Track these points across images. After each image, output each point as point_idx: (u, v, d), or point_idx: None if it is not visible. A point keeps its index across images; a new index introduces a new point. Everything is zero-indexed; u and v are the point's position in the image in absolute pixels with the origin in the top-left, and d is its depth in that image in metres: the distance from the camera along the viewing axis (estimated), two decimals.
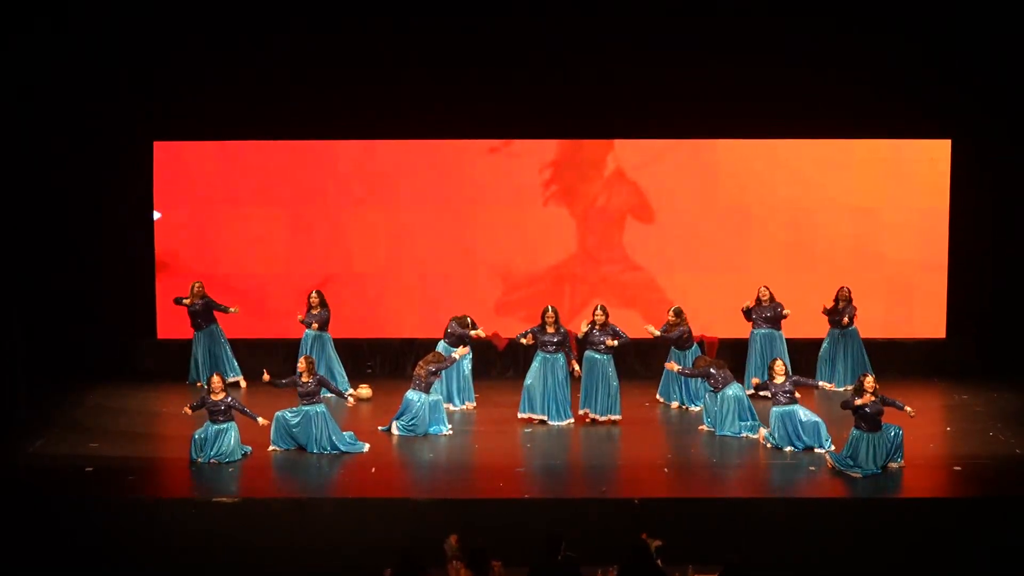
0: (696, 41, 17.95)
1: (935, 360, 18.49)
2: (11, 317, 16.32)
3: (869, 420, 14.38)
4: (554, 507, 13.67)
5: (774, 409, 15.28)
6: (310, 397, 15.25)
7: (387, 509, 13.68)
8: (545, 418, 16.35)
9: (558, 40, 17.98)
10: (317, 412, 15.21)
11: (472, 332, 16.89)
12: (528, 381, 16.38)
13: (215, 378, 15.02)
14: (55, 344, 18.20)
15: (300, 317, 17.56)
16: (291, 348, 17.88)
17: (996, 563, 13.27)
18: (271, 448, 15.20)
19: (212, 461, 14.79)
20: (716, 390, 15.88)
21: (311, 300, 17.66)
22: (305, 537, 13.46)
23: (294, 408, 15.26)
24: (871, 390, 14.41)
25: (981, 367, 18.45)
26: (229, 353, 17.99)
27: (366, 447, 15.31)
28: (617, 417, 16.35)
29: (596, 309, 16.37)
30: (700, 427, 16.12)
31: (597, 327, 16.30)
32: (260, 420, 15.02)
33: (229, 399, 14.98)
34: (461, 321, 16.91)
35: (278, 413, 15.28)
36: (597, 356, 16.31)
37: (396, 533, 13.08)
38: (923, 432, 15.89)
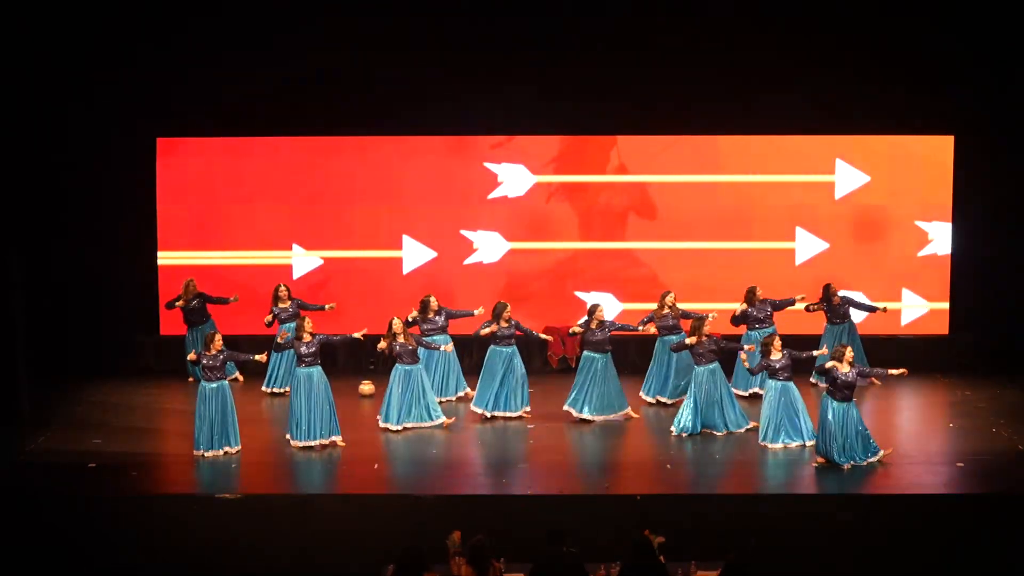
0: (699, 38, 17.94)
1: (938, 356, 18.45)
2: (14, 313, 16.32)
3: (841, 389, 14.46)
4: (556, 503, 13.68)
5: (771, 382, 15.25)
6: (313, 358, 15.31)
7: (389, 506, 13.69)
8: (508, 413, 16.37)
9: (561, 37, 17.97)
10: (320, 373, 15.33)
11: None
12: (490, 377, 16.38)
13: (217, 338, 15.17)
14: (57, 340, 18.20)
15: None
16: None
17: (998, 560, 13.26)
18: (296, 443, 15.23)
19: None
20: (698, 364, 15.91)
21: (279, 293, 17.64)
22: (307, 534, 13.47)
23: (296, 378, 15.33)
24: (849, 360, 14.50)
25: (984, 363, 18.42)
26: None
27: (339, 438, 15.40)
28: (626, 411, 16.34)
29: (599, 308, 16.35)
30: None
31: (594, 324, 16.28)
32: (257, 357, 15.30)
33: (225, 353, 15.16)
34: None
35: (292, 403, 15.31)
36: (598, 355, 16.28)
37: (398, 530, 13.07)
38: (926, 428, 15.90)
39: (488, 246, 18.69)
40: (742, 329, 17.25)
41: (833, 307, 17.56)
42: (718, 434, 15.67)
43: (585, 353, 16.40)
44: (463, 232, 18.71)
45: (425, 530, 12.52)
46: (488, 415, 16.36)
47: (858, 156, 18.55)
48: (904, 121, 18.37)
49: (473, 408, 16.48)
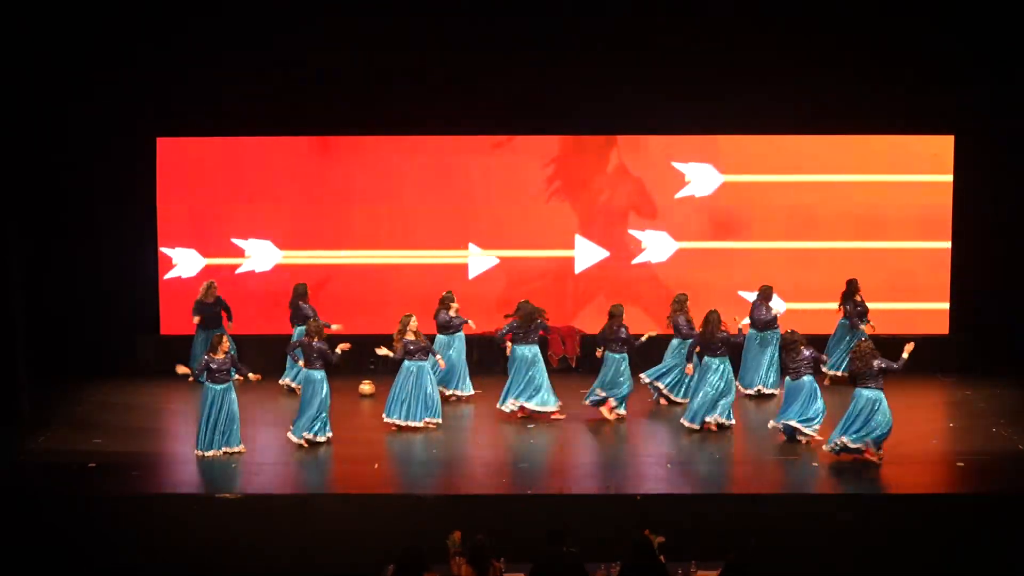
0: (699, 38, 17.94)
1: (938, 356, 18.44)
2: (14, 313, 16.32)
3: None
4: (556, 503, 13.68)
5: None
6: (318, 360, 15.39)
7: (389, 505, 13.69)
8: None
9: (561, 36, 17.97)
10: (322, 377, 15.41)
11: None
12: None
13: (224, 340, 15.14)
14: (58, 340, 18.20)
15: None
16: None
17: (999, 560, 13.26)
18: (303, 440, 15.28)
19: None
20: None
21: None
22: (307, 533, 13.47)
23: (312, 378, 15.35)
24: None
25: (983, 363, 18.42)
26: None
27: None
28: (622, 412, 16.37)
29: (620, 310, 16.39)
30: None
31: (616, 326, 16.31)
32: (252, 376, 15.46)
33: (231, 358, 15.15)
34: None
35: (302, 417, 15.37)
36: (616, 355, 16.31)
37: (398, 530, 13.07)
38: (926, 428, 15.89)
39: (657, 245, 18.68)
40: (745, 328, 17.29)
41: (856, 303, 17.56)
42: (709, 420, 15.72)
43: (608, 353, 16.37)
44: (631, 232, 18.71)
45: (425, 530, 12.51)
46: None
47: (858, 156, 18.58)
48: (904, 121, 18.37)
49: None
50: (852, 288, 17.66)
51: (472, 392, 17.33)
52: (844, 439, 14.53)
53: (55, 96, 17.92)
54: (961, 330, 18.68)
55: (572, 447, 15.71)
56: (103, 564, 13.35)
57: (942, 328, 18.69)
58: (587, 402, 16.43)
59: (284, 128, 18.51)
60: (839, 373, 17.50)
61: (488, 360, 18.17)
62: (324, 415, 15.29)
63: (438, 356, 16.53)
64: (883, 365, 14.59)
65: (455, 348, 17.21)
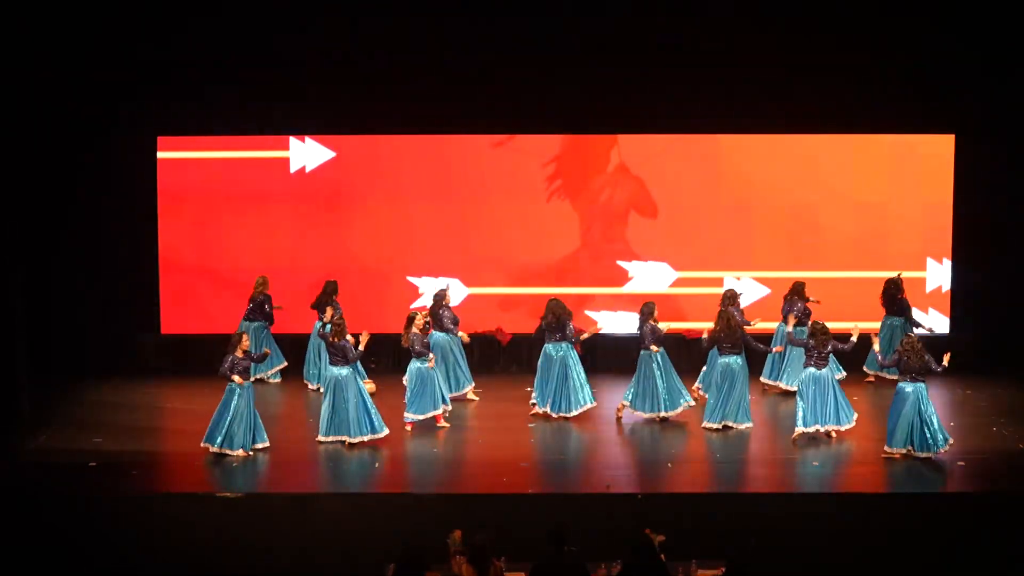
0: (699, 38, 17.94)
1: (939, 355, 18.40)
2: (15, 313, 16.32)
3: None
4: (557, 503, 13.68)
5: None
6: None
7: (390, 504, 13.70)
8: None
9: (562, 35, 17.98)
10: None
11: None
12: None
13: (244, 337, 15.16)
14: (58, 340, 18.21)
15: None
16: (292, 343, 17.98)
17: (998, 560, 13.26)
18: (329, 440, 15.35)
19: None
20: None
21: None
22: (308, 532, 13.47)
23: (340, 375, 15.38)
24: None
25: (984, 362, 18.40)
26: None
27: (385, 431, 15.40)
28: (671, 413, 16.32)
29: (653, 306, 16.37)
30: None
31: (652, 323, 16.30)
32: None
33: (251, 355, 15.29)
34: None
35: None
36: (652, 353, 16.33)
37: (399, 529, 13.07)
38: None
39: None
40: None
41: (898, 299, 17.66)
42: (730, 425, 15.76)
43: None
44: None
45: (425, 530, 12.52)
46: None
47: (859, 155, 18.58)
48: (905, 120, 18.37)
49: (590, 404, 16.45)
50: (899, 285, 17.66)
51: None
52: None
53: (55, 96, 17.91)
54: (961, 330, 18.68)
55: (572, 447, 15.70)
56: (103, 564, 13.36)
57: (942, 328, 18.68)
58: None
59: (284, 128, 18.50)
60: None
61: (484, 361, 18.18)
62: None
63: (427, 364, 16.39)
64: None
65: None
